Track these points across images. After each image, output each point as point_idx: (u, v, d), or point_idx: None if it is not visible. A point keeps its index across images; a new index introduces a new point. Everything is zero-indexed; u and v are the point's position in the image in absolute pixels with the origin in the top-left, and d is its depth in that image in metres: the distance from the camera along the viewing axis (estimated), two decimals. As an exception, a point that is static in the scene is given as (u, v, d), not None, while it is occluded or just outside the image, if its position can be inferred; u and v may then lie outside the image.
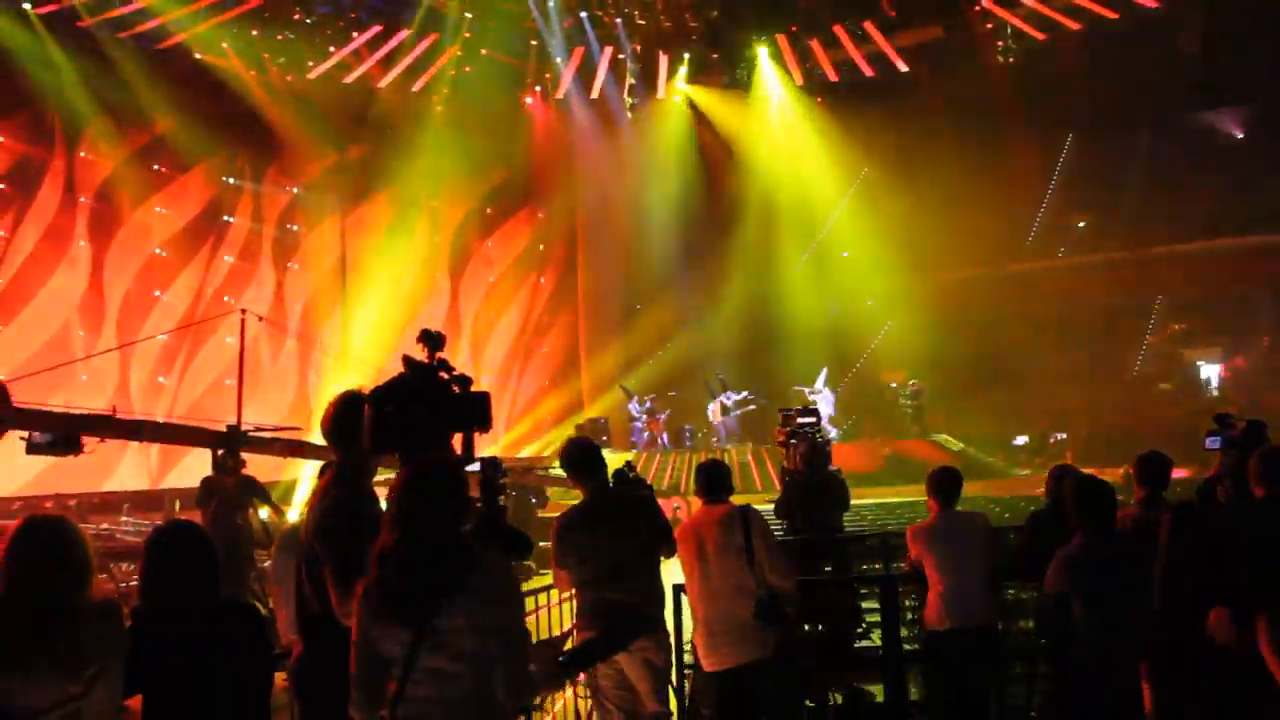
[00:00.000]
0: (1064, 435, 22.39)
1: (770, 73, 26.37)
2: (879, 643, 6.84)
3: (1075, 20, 23.09)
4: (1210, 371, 25.09)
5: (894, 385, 24.93)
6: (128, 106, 21.78)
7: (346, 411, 3.93)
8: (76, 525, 3.66)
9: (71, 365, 18.11)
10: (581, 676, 5.24)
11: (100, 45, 21.21)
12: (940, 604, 5.90)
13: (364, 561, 3.41)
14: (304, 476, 16.01)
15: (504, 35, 25.00)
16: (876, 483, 19.08)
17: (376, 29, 23.75)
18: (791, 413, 10.16)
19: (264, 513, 9.56)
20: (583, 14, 24.28)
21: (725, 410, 24.30)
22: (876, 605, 7.04)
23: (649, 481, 6.47)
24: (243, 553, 9.11)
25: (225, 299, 23.15)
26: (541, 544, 5.10)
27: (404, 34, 23.73)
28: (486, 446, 4.10)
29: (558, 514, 5.45)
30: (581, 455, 5.39)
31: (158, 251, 23.32)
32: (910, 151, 25.07)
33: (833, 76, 25.66)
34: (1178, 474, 6.28)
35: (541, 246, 28.84)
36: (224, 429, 10.35)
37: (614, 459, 6.72)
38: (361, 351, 23.78)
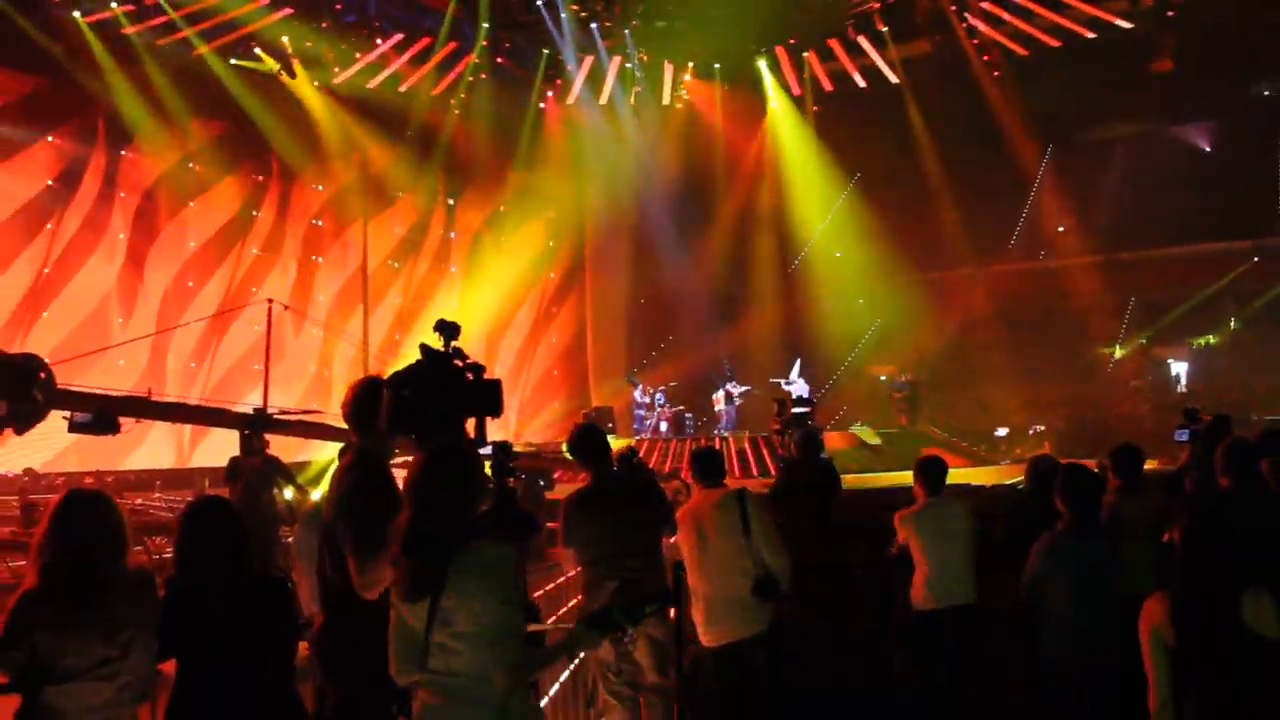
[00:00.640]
0: (1043, 427, 22.37)
1: (769, 82, 26.41)
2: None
3: (1055, 39, 23.11)
4: (1179, 369, 25.08)
5: (883, 379, 24.95)
6: (169, 110, 21.79)
7: (366, 396, 3.93)
8: (114, 499, 3.67)
9: (108, 350, 18.15)
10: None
11: (140, 52, 21.22)
12: (926, 585, 5.90)
13: (382, 538, 3.41)
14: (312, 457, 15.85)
15: (519, 44, 25.12)
16: (865, 470, 19.06)
17: (398, 37, 23.75)
18: (786, 403, 10.15)
19: (288, 492, 9.52)
20: (592, 25, 24.34)
21: (730, 399, 24.29)
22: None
23: (650, 466, 6.46)
24: (267, 529, 9.08)
25: (253, 290, 23.15)
26: (549, 525, 5.08)
27: (426, 41, 23.77)
28: (496, 432, 4.08)
29: (564, 496, 5.46)
30: (588, 441, 5.42)
31: (191, 245, 23.35)
32: (900, 158, 25.14)
33: (828, 87, 25.71)
34: (1147, 466, 6.25)
35: (551, 243, 28.87)
36: (251, 411, 10.31)
37: (618, 445, 6.70)
38: (380, 340, 23.89)
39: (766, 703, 5.26)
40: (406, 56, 23.97)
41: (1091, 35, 22.80)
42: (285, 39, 22.87)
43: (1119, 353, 25.81)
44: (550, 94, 26.71)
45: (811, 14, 24.16)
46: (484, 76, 25.27)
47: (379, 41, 23.71)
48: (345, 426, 4.04)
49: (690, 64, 25.95)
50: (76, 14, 20.49)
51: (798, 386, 22.83)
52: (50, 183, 20.99)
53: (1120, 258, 24.87)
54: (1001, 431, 22.83)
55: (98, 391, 9.19)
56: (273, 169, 24.55)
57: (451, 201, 27.71)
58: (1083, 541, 4.75)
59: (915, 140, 25.30)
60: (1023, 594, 4.87)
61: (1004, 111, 24.49)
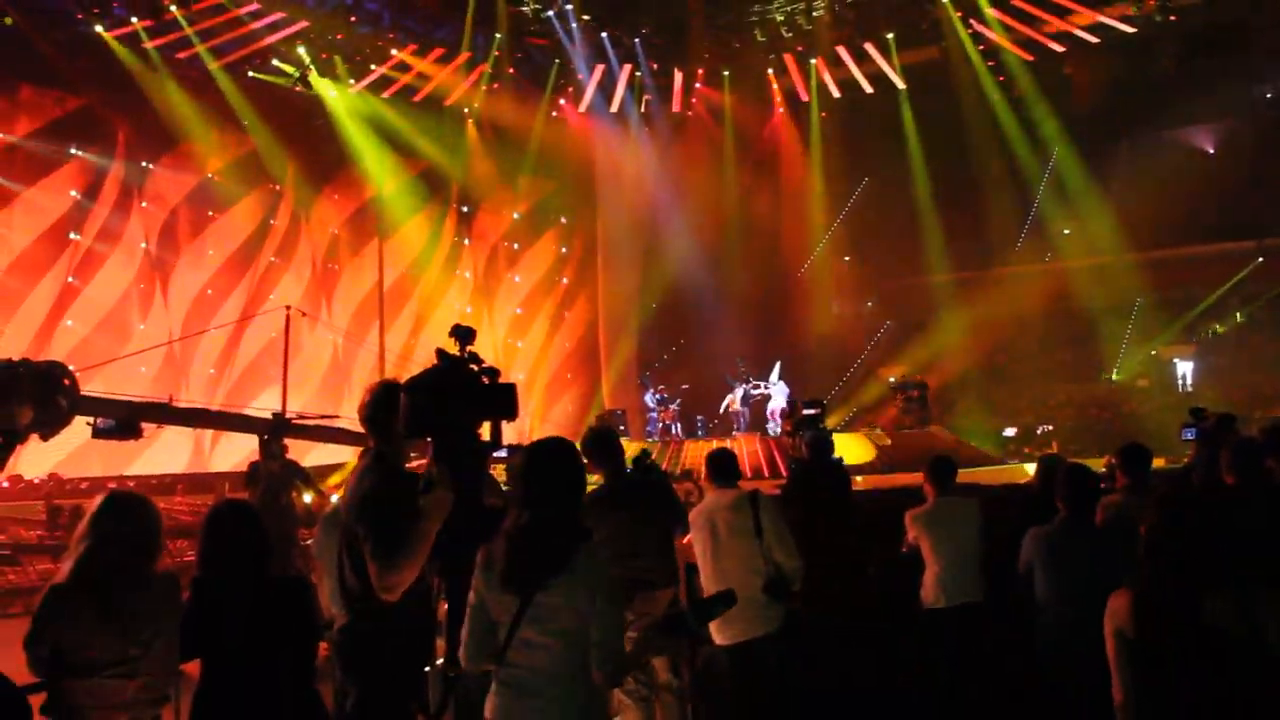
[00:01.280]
0: (1050, 426, 22.29)
1: (777, 88, 26.39)
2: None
3: (1059, 43, 23.07)
4: (1185, 368, 24.96)
5: (892, 380, 24.90)
6: (189, 122, 21.88)
7: (384, 399, 3.92)
8: (154, 503, 3.71)
9: (129, 357, 18.21)
10: None
11: (159, 65, 21.32)
12: (936, 583, 5.89)
13: (401, 541, 3.41)
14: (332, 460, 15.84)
15: (530, 54, 25.16)
16: (874, 471, 19.02)
17: (413, 47, 23.82)
18: (798, 405, 10.12)
19: (307, 496, 9.54)
20: (603, 34, 24.35)
21: (747, 399, 24.26)
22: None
23: (663, 468, 6.47)
24: (287, 532, 9.10)
25: (271, 296, 23.19)
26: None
27: (439, 52, 23.83)
28: (510, 436, 4.08)
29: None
30: (602, 443, 5.41)
31: (210, 254, 23.41)
32: (908, 163, 25.09)
33: (836, 93, 25.67)
34: (1154, 464, 6.23)
35: (564, 249, 28.91)
36: (270, 416, 10.33)
37: (631, 448, 6.71)
38: (396, 346, 23.91)
39: (779, 701, 5.25)
40: (421, 67, 24.01)
41: (1095, 40, 22.78)
42: (302, 50, 22.97)
43: (1125, 354, 25.71)
44: (562, 102, 26.75)
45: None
46: (496, 86, 25.33)
47: (394, 53, 23.78)
48: (362, 430, 4.05)
49: (700, 71, 25.94)
50: (100, 29, 20.58)
51: (777, 389, 22.88)
52: (75, 194, 21.07)
53: (1125, 259, 24.80)
54: (1010, 432, 22.76)
55: (121, 398, 9.22)
56: (290, 179, 24.60)
57: (465, 209, 27.76)
58: (1071, 538, 4.73)
59: (921, 145, 25.28)
60: (1019, 585, 4.87)
61: (1009, 116, 24.45)
